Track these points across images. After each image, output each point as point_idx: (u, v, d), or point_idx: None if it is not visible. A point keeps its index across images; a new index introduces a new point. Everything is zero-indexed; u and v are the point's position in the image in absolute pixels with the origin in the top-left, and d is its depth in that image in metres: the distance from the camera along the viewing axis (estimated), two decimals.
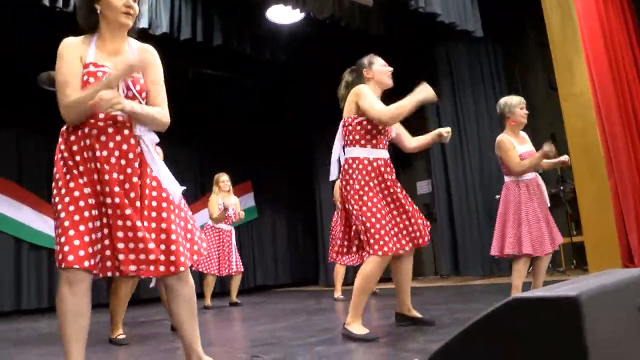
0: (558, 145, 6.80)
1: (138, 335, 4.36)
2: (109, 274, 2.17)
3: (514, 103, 4.42)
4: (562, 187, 6.98)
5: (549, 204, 4.41)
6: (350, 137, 3.43)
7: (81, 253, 2.06)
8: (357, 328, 3.20)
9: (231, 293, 7.03)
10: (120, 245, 2.11)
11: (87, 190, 2.14)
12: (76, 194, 2.12)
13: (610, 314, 1.15)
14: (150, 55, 2.37)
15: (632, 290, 1.24)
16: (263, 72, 8.94)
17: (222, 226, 6.72)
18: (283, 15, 7.38)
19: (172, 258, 2.14)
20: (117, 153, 2.17)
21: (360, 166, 3.35)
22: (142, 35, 2.43)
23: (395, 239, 3.29)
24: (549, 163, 4.40)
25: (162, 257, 2.14)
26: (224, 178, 6.84)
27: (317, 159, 10.10)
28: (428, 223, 3.55)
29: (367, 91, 3.38)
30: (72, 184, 2.14)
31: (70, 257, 2.05)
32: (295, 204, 10.72)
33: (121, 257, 2.11)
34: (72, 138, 2.19)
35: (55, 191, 2.18)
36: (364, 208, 3.26)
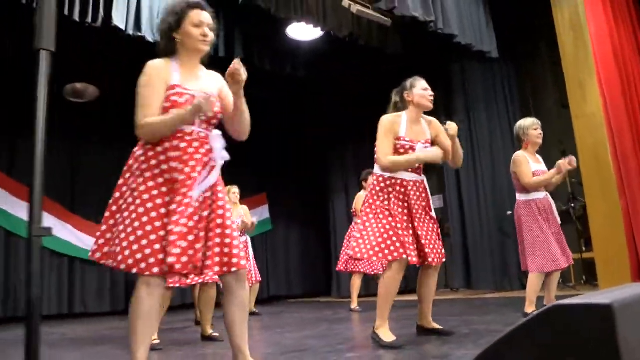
0: None
1: (170, 341, 4.53)
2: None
3: (527, 125, 4.63)
4: (572, 205, 7.10)
5: (559, 222, 4.57)
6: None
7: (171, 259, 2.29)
8: (385, 334, 3.39)
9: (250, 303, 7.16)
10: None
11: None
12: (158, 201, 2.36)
13: (638, 321, 1.32)
14: (220, 78, 2.65)
15: None
16: (282, 86, 9.13)
17: None
18: (303, 33, 7.55)
19: (234, 260, 2.40)
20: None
21: (387, 183, 3.55)
22: None
23: (409, 247, 3.44)
24: (558, 178, 4.56)
25: (225, 259, 2.41)
26: (234, 190, 6.97)
27: (331, 173, 10.31)
28: (443, 252, 3.69)
29: (382, 130, 3.60)
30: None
31: (172, 259, 2.27)
32: (309, 217, 10.89)
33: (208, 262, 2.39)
34: (150, 154, 2.42)
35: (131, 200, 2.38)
36: (381, 216, 3.49)
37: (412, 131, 3.65)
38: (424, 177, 3.70)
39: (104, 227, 2.42)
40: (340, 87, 9.11)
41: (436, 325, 3.74)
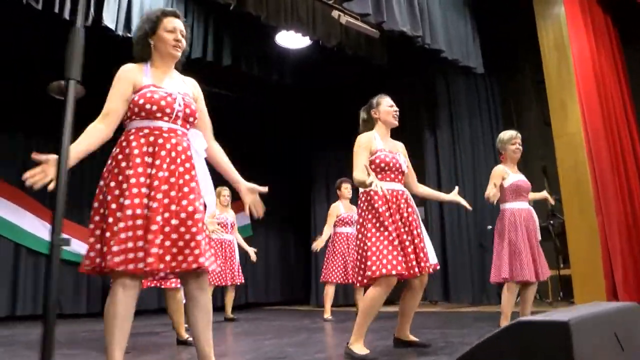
0: (549, 179, 7.15)
1: (146, 346, 4.57)
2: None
3: (505, 139, 4.79)
4: (551, 222, 7.26)
5: (539, 238, 4.70)
6: None
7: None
8: (359, 348, 3.46)
9: (227, 308, 7.21)
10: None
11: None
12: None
13: (594, 338, 1.47)
14: (198, 87, 2.85)
15: (612, 320, 1.56)
16: (268, 93, 9.26)
17: (225, 236, 6.98)
18: (292, 40, 7.71)
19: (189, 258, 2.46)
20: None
21: (376, 197, 3.61)
22: None
23: (396, 262, 3.47)
24: (534, 196, 4.85)
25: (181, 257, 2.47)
26: (225, 192, 7.06)
27: (315, 180, 10.42)
28: (435, 263, 3.75)
29: (360, 145, 3.73)
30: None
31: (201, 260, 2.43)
32: (290, 224, 11.00)
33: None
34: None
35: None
36: (373, 230, 3.54)
37: (387, 144, 3.81)
38: (405, 189, 3.80)
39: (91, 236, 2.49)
40: (326, 95, 9.25)
41: (413, 338, 3.84)
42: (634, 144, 6.36)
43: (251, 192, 2.90)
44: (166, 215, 2.44)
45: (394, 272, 3.42)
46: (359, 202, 3.73)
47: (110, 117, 2.55)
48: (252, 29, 7.29)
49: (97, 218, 2.45)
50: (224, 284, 6.86)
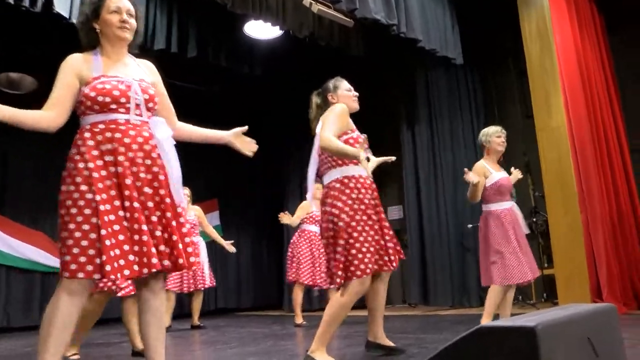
0: (532, 175, 7.15)
1: (98, 357, 4.46)
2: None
3: (491, 132, 4.78)
4: (534, 219, 7.23)
5: (526, 231, 4.72)
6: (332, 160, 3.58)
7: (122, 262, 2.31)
8: (322, 356, 3.33)
9: (193, 314, 7.09)
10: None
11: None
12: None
13: (564, 343, 1.40)
14: (155, 70, 2.77)
15: (584, 323, 1.50)
16: (237, 85, 9.15)
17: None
18: (261, 30, 7.60)
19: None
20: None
21: (359, 185, 3.50)
22: None
23: (374, 258, 3.41)
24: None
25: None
26: (185, 192, 6.95)
27: (288, 179, 10.33)
28: (400, 250, 3.68)
29: (339, 113, 3.54)
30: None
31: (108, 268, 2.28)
32: (262, 225, 10.87)
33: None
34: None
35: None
36: (362, 224, 3.42)
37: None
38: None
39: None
40: (299, 88, 9.11)
41: (387, 342, 3.74)
42: (619, 138, 6.37)
43: (238, 137, 2.89)
44: (146, 213, 2.40)
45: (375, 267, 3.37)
46: (331, 191, 3.53)
47: (56, 107, 2.46)
48: (219, 18, 7.18)
49: (71, 226, 2.31)
50: (186, 290, 6.73)
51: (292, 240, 6.94)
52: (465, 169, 4.58)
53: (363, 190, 3.50)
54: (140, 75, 2.62)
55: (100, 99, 2.43)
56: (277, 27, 7.11)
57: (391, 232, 3.62)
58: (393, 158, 4.25)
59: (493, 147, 4.75)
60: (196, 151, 9.54)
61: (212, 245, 9.97)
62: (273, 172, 10.77)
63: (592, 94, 6.15)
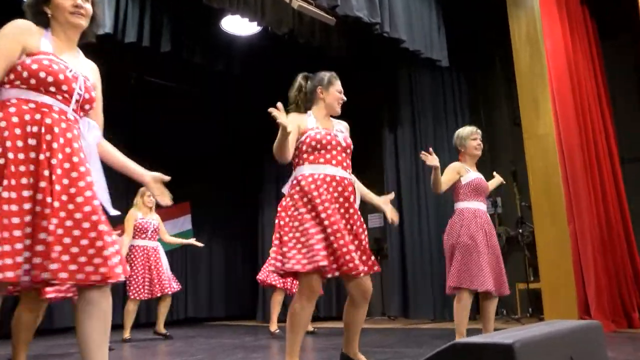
0: (519, 185, 7.13)
1: None
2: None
3: (465, 134, 4.67)
4: (520, 230, 7.20)
5: (498, 243, 4.57)
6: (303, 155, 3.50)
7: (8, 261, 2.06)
8: None
9: (158, 322, 6.90)
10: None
11: None
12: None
13: None
14: (98, 74, 2.59)
15: (567, 340, 1.42)
16: (213, 83, 9.03)
17: (149, 243, 6.75)
18: (239, 26, 7.50)
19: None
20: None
21: (303, 182, 3.39)
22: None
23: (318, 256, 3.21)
24: (492, 185, 4.82)
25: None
26: (150, 193, 6.83)
27: (264, 181, 10.19)
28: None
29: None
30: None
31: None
32: (237, 229, 10.70)
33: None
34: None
35: None
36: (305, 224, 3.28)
37: (323, 125, 3.57)
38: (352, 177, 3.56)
39: None
40: (277, 87, 9.00)
41: (362, 357, 3.60)
42: (610, 147, 6.34)
43: (156, 182, 2.64)
44: (62, 214, 2.16)
45: (314, 266, 3.16)
46: (290, 189, 3.46)
47: None
48: (195, 11, 7.08)
49: None
50: (150, 296, 6.59)
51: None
52: (430, 149, 4.44)
53: (313, 187, 3.35)
54: (86, 73, 2.46)
55: (42, 75, 2.23)
56: (255, 24, 7.02)
57: (362, 240, 3.43)
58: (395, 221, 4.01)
59: (469, 151, 4.65)
60: (168, 151, 9.56)
61: (182, 252, 9.90)
62: (249, 174, 10.62)
63: (582, 100, 6.11)
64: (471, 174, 4.57)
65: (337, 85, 3.67)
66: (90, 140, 2.41)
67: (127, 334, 6.52)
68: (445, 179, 4.53)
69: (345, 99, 3.69)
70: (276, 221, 3.41)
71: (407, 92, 8.49)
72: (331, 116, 3.68)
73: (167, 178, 2.65)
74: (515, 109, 6.90)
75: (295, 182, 3.43)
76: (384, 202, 3.88)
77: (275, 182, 9.75)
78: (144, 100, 8.80)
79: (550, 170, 5.93)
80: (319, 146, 3.43)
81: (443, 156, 7.92)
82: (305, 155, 3.45)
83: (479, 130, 4.72)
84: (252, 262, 10.39)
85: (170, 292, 6.72)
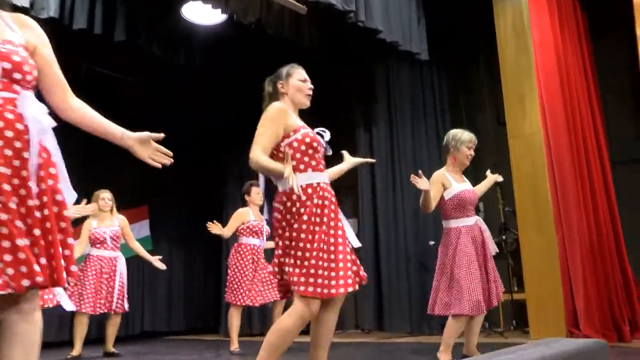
0: (503, 190, 7.07)
1: None
2: None
3: (464, 139, 4.62)
4: (504, 237, 7.15)
5: (494, 252, 4.61)
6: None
7: None
8: None
9: (107, 340, 6.69)
10: None
11: None
12: None
13: None
14: (36, 28, 2.35)
15: None
16: (172, 76, 8.83)
17: (104, 253, 6.54)
18: (201, 15, 7.31)
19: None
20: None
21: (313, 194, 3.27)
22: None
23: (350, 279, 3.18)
24: (484, 188, 4.92)
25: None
26: (105, 195, 6.65)
27: (227, 182, 10.03)
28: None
29: (270, 117, 3.35)
30: None
31: None
32: (198, 236, 10.45)
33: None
34: None
35: None
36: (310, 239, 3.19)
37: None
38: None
39: None
40: (242, 81, 8.84)
41: None
42: (600, 148, 6.31)
43: (144, 143, 2.49)
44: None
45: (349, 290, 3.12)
46: (282, 198, 3.30)
47: None
48: None
49: None
50: (100, 311, 6.37)
51: (229, 256, 6.70)
52: (420, 172, 4.39)
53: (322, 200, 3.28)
54: (10, 37, 2.20)
55: None
56: (219, 11, 6.86)
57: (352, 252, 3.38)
58: (372, 160, 4.27)
59: (460, 157, 4.62)
60: (123, 150, 9.28)
61: (138, 260, 9.67)
62: (212, 175, 10.42)
63: (571, 98, 6.08)
64: (454, 187, 4.54)
65: (299, 73, 3.56)
66: (33, 114, 2.15)
67: (75, 352, 6.31)
68: (434, 195, 4.49)
69: (312, 87, 3.57)
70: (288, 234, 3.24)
71: (383, 88, 8.36)
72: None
73: (157, 136, 2.53)
74: (500, 107, 6.87)
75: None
76: (348, 159, 3.98)
77: (239, 181, 9.58)
78: (94, 94, 8.56)
79: (537, 173, 5.93)
80: (318, 148, 3.37)
81: (422, 157, 7.93)
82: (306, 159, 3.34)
83: (476, 140, 4.71)
84: (215, 271, 10.22)
85: (119, 311, 6.53)
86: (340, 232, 3.26)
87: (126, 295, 6.65)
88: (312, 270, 3.10)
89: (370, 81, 8.53)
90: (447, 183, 4.54)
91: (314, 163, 3.34)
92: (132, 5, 6.92)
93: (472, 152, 4.64)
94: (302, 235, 3.16)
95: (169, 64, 8.14)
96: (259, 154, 3.24)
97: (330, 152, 3.54)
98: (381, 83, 8.41)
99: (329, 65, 8.45)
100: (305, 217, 3.18)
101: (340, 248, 3.19)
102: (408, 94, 8.19)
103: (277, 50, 7.55)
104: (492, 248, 4.59)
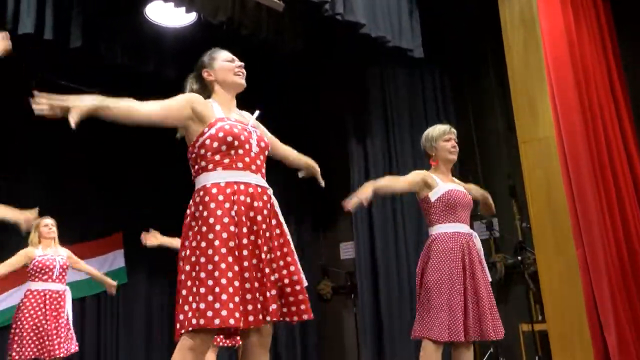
0: (519, 202, 6.76)
1: None
2: None
3: (436, 134, 4.40)
4: (520, 258, 6.84)
5: (488, 277, 4.28)
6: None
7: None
8: None
9: None
10: None
11: None
12: None
13: None
14: None
15: None
16: (140, 88, 8.46)
17: (50, 286, 6.15)
18: (167, 15, 6.99)
19: None
20: None
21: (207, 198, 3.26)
22: None
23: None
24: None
25: None
26: (47, 222, 6.36)
27: None
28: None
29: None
30: None
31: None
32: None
33: None
34: None
35: None
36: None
37: (232, 115, 3.32)
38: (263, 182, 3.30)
39: None
40: None
41: None
42: (628, 150, 6.02)
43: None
44: None
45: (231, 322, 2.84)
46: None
47: None
48: None
49: None
50: (40, 356, 5.91)
51: None
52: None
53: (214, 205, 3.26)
54: None
55: None
56: (183, 9, 6.53)
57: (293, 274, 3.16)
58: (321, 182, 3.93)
59: (441, 154, 4.39)
60: (91, 172, 9.01)
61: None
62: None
63: (589, 94, 5.82)
64: (442, 187, 4.24)
65: (223, 53, 3.45)
66: None
67: None
68: (407, 179, 4.33)
69: (242, 64, 3.40)
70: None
71: (378, 93, 8.11)
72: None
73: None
74: (510, 112, 6.61)
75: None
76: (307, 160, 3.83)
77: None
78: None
79: (553, 182, 5.72)
80: (236, 143, 3.19)
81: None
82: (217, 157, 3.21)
83: (453, 130, 4.47)
84: None
85: (62, 355, 6.07)
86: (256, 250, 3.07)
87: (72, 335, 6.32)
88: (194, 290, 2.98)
89: (363, 87, 8.32)
90: (432, 182, 4.28)
91: (240, 164, 3.22)
92: (87, 7, 6.61)
93: (454, 143, 4.41)
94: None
95: (136, 74, 7.89)
96: None
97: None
98: (376, 88, 8.18)
99: (316, 70, 8.42)
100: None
101: (236, 268, 2.97)
102: (406, 99, 7.95)
103: (255, 53, 7.28)
104: (486, 272, 4.29)
